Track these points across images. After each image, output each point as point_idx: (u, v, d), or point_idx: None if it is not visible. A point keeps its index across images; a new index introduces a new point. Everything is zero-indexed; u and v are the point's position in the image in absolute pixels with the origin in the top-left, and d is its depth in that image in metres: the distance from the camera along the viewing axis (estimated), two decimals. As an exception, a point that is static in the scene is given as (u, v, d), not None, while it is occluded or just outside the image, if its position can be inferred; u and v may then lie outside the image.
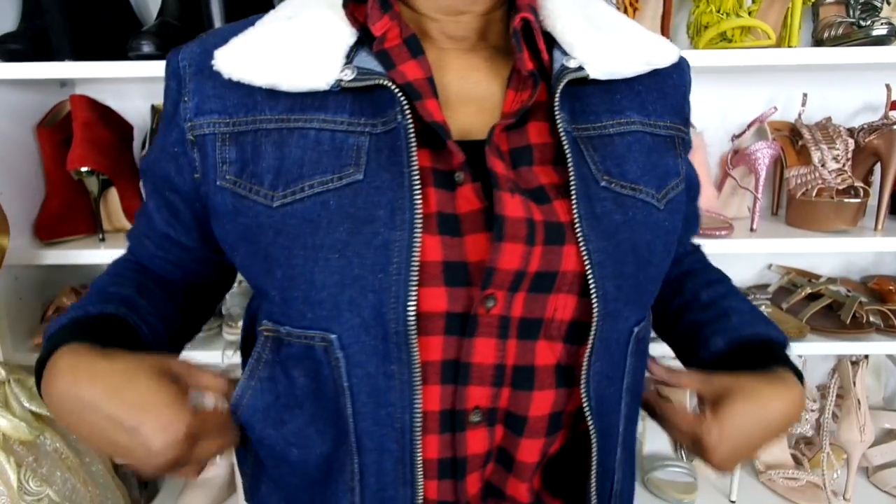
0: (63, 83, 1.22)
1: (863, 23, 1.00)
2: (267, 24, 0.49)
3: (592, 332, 0.45)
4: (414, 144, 0.43)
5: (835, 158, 1.08)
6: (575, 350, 0.47)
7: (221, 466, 1.24)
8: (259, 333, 0.50)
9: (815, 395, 1.24)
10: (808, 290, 1.18)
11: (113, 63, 0.98)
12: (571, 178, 0.44)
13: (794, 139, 1.18)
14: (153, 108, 1.18)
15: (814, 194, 1.08)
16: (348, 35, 0.48)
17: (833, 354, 1.29)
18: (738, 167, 1.19)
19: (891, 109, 1.11)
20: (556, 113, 0.46)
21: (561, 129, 0.45)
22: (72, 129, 1.09)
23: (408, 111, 0.44)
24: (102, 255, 1.08)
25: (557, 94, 0.46)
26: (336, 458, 0.48)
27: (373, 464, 0.46)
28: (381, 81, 0.44)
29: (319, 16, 0.49)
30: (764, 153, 1.11)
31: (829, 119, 1.15)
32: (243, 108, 0.47)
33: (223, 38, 0.49)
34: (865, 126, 1.09)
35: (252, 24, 0.50)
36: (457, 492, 0.48)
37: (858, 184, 1.05)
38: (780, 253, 1.34)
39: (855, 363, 1.21)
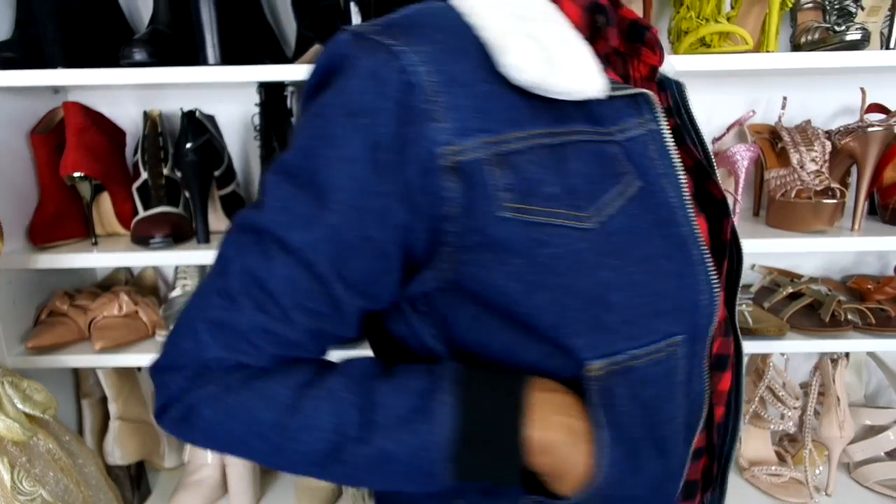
0: (56, 90, 1.23)
1: (838, 28, 1.03)
2: (506, 20, 0.42)
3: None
4: (674, 144, 0.47)
5: (813, 160, 1.10)
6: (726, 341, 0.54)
7: (213, 467, 1.25)
8: (587, 381, 0.43)
9: (797, 392, 1.26)
10: (790, 290, 1.21)
11: (105, 70, 0.99)
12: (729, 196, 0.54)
13: (773, 141, 1.20)
14: (145, 114, 1.20)
15: (793, 195, 1.10)
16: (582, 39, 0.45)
17: (815, 352, 1.32)
18: (718, 170, 1.21)
19: (867, 112, 1.14)
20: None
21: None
22: (65, 135, 1.11)
23: (660, 116, 0.47)
24: (95, 258, 1.10)
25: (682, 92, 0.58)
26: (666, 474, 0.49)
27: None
28: (636, 90, 0.46)
29: (555, 16, 0.44)
30: (743, 155, 1.13)
31: (808, 122, 1.18)
32: (509, 123, 0.41)
33: (445, 33, 0.41)
34: (841, 129, 1.12)
35: (448, 14, 0.43)
36: (694, 471, 0.54)
37: (835, 185, 1.07)
38: (763, 253, 1.36)
39: (834, 361, 1.24)
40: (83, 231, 1.18)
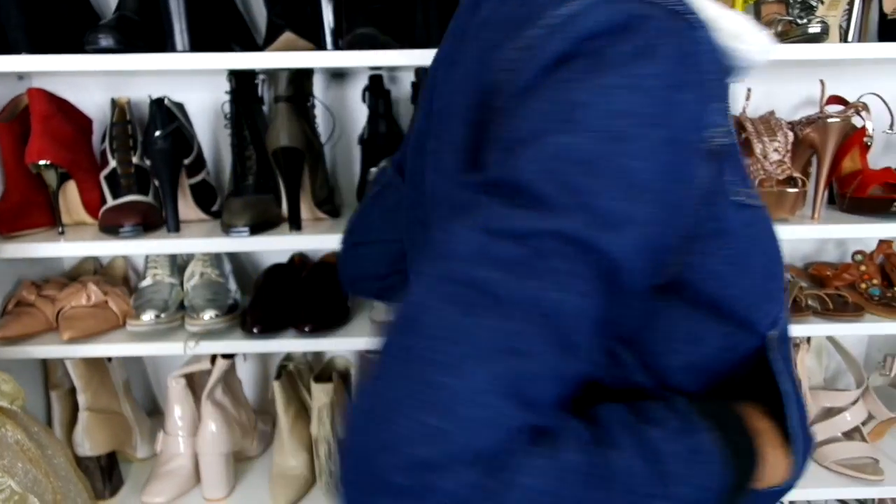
0: (20, 76, 1.21)
1: (800, 21, 1.06)
2: (713, 8, 0.40)
3: None
4: None
5: (776, 150, 1.13)
6: None
7: (186, 457, 1.25)
8: (770, 351, 0.44)
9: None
10: (753, 277, 1.24)
11: (71, 56, 0.98)
12: None
13: (738, 132, 1.23)
14: (113, 101, 1.18)
15: (756, 184, 1.13)
16: None
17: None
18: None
19: (827, 104, 1.18)
20: None
21: None
22: (30, 122, 1.09)
23: None
24: (63, 248, 1.09)
25: None
26: None
27: None
28: None
29: None
30: (709, 146, 1.16)
31: (772, 112, 1.21)
32: (727, 113, 0.40)
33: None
34: (803, 119, 1.15)
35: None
36: None
37: (797, 174, 1.11)
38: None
39: (796, 346, 1.27)
40: (49, 220, 1.17)
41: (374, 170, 0.72)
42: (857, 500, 1.41)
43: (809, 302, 1.17)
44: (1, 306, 1.17)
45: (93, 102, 1.24)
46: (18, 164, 1.12)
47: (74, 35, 1.05)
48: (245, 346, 1.13)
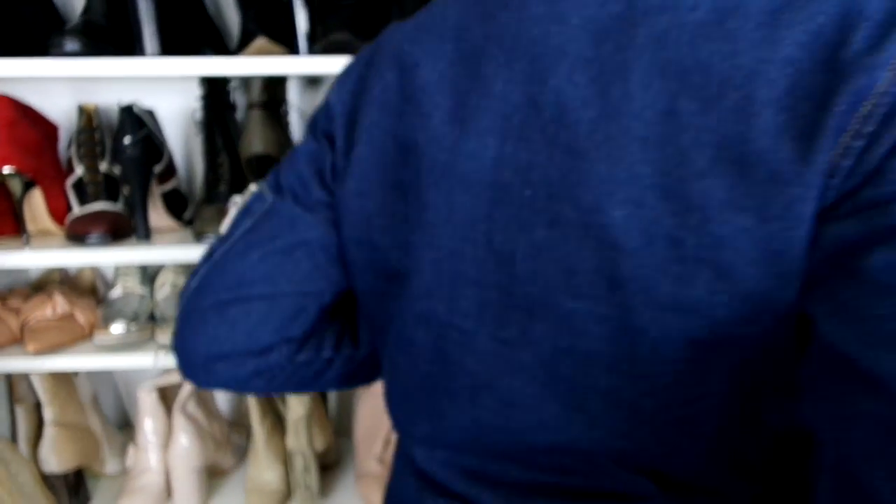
0: (-17, 81, 1.17)
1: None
2: None
3: None
4: None
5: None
6: None
7: (157, 472, 1.22)
8: None
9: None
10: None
11: (35, 60, 0.95)
12: None
13: None
14: (80, 108, 1.15)
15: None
16: None
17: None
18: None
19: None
20: None
21: None
22: (-8, 129, 1.06)
23: None
24: (28, 257, 1.05)
25: None
26: None
27: None
28: None
29: None
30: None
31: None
32: None
33: None
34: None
35: None
36: None
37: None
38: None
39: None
40: (13, 228, 1.13)
41: (238, 198, 0.58)
42: None
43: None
44: (-38, 319, 1.13)
45: (59, 108, 1.20)
46: (-20, 172, 1.08)
47: (39, 39, 1.02)
48: (218, 358, 1.10)
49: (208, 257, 0.56)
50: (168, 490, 1.22)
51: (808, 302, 0.34)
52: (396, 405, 0.54)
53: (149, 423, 1.22)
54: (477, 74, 0.42)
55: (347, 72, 0.54)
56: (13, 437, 1.22)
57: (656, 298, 0.36)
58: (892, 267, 0.29)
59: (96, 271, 1.32)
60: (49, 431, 1.15)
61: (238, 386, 0.58)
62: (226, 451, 1.30)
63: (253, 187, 0.57)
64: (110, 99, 1.20)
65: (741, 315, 0.35)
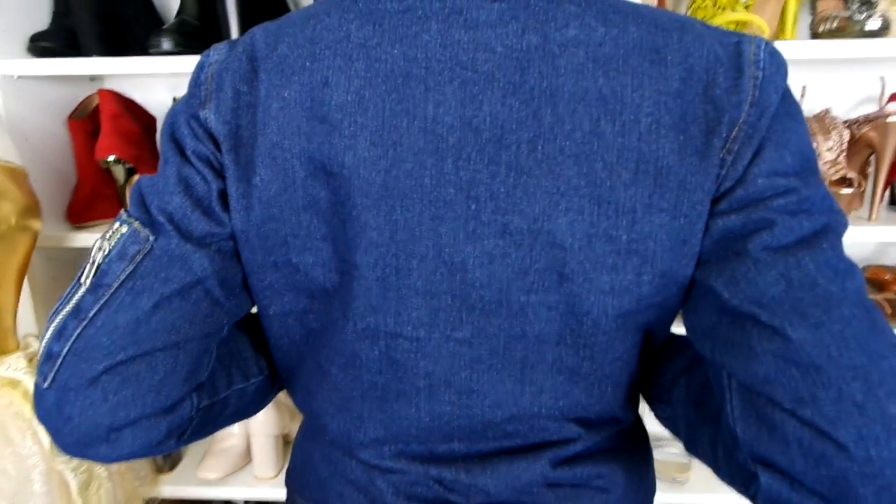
0: (92, 78, 1.30)
1: (858, 16, 1.02)
2: None
3: None
4: None
5: (829, 150, 1.10)
6: None
7: (239, 437, 1.32)
8: None
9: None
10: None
11: (137, 59, 1.04)
12: None
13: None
14: (175, 100, 1.25)
15: (808, 185, 1.10)
16: None
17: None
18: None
19: (889, 102, 1.13)
20: None
21: None
22: (100, 120, 1.17)
23: None
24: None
25: None
26: None
27: None
28: None
29: None
30: (759, 144, 1.13)
31: (827, 111, 1.17)
32: None
33: None
34: (861, 118, 1.11)
35: None
36: None
37: (852, 174, 1.07)
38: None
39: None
40: (117, 211, 1.25)
41: (98, 240, 0.49)
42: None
43: (863, 307, 1.13)
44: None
45: (157, 101, 1.31)
46: (89, 160, 1.21)
47: (140, 39, 1.12)
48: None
49: (74, 313, 0.47)
50: (248, 454, 1.32)
51: (703, 276, 0.45)
52: (330, 416, 0.55)
53: (232, 393, 1.32)
54: (402, 96, 0.44)
55: (217, 87, 0.48)
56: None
57: (598, 285, 0.46)
58: (768, 247, 0.42)
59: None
60: (146, 395, 1.28)
61: (148, 451, 0.50)
62: (298, 421, 1.39)
63: (122, 226, 0.48)
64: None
65: (657, 288, 0.47)
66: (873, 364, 0.39)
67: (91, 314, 0.46)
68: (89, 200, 1.21)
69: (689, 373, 0.53)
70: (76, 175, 1.24)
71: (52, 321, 0.48)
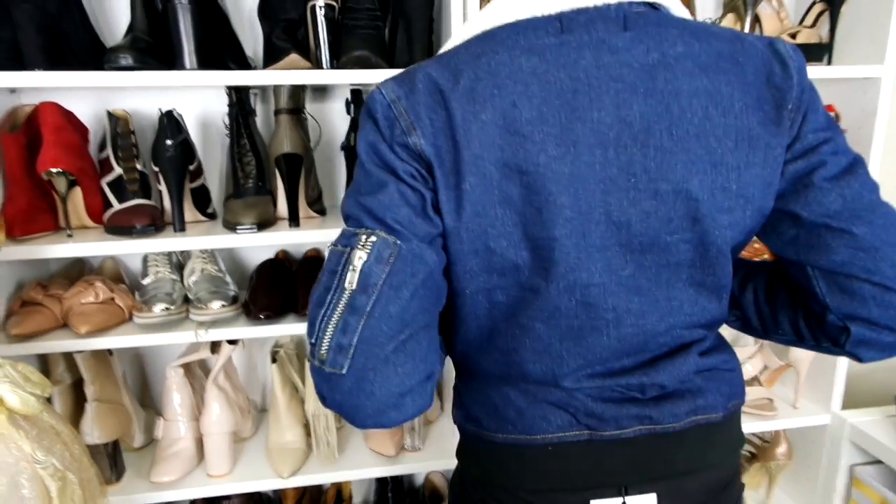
0: (12, 90, 1.28)
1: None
2: None
3: None
4: None
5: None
6: None
7: (187, 440, 1.36)
8: None
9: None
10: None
11: (91, 73, 1.08)
12: None
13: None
14: (109, 113, 1.28)
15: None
16: None
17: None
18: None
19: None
20: None
21: None
22: (34, 133, 1.17)
23: None
24: (70, 249, 1.16)
25: None
26: None
27: None
28: None
29: None
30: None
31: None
32: None
33: None
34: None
35: None
36: None
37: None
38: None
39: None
40: (54, 224, 1.25)
41: (348, 253, 0.61)
42: (756, 435, 1.72)
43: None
44: (5, 306, 1.23)
45: (81, 114, 1.32)
46: (25, 173, 1.20)
47: (79, 53, 1.15)
48: (250, 332, 1.26)
49: (352, 311, 0.59)
50: (198, 455, 1.36)
51: (783, 203, 0.67)
52: (532, 363, 0.69)
53: (177, 397, 1.36)
54: (574, 107, 0.60)
55: (416, 118, 0.61)
56: (49, 417, 1.33)
57: (720, 223, 0.64)
58: (825, 178, 0.65)
59: (118, 261, 1.44)
60: (91, 406, 1.28)
61: (420, 412, 0.64)
62: (248, 419, 1.45)
63: (373, 237, 0.60)
64: (129, 105, 1.33)
65: (754, 219, 0.66)
66: None
67: (368, 309, 0.58)
68: (27, 214, 1.19)
69: (753, 281, 0.79)
70: (6, 189, 1.21)
71: (326, 322, 0.59)
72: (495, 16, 0.64)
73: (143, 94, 1.36)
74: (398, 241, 0.60)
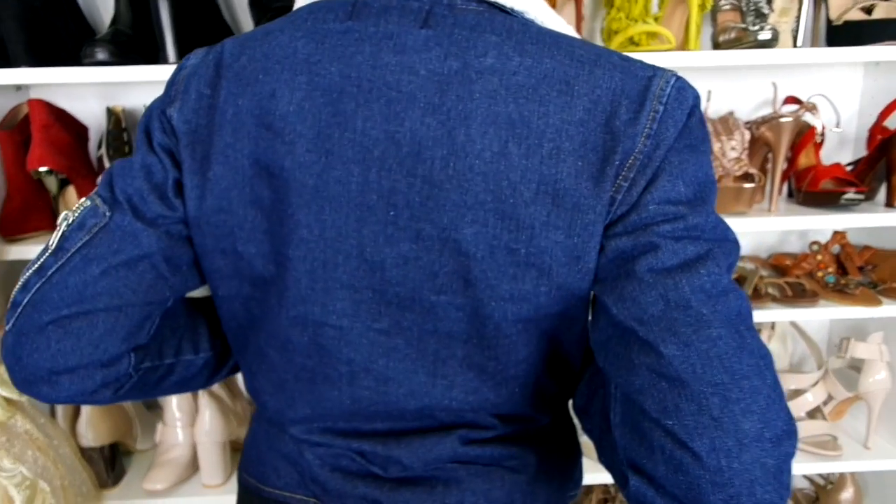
0: (18, 87, 1.27)
1: (752, 28, 1.13)
2: None
3: None
4: None
5: (733, 148, 1.21)
6: None
7: (184, 447, 1.32)
8: None
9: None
10: (717, 267, 1.32)
11: (69, 69, 1.04)
12: None
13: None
14: (108, 110, 1.24)
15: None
16: None
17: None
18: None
19: (785, 104, 1.25)
20: None
21: None
22: (30, 131, 1.15)
23: None
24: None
25: None
26: None
27: None
28: None
29: None
30: (672, 144, 1.23)
31: (731, 113, 1.28)
32: None
33: None
34: (759, 119, 1.23)
35: None
36: None
37: (753, 170, 1.18)
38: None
39: (760, 330, 1.35)
40: (50, 224, 1.23)
41: (68, 213, 0.57)
42: (821, 476, 1.49)
43: (769, 290, 1.25)
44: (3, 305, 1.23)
45: (88, 111, 1.30)
46: (20, 171, 1.18)
47: (71, 48, 1.11)
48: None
49: (38, 271, 0.54)
50: (194, 463, 1.32)
51: (599, 292, 0.50)
52: (268, 394, 0.62)
53: (175, 402, 1.32)
54: (337, 110, 0.49)
55: (184, 89, 0.55)
56: (52, 414, 1.33)
57: (499, 293, 0.50)
58: (652, 269, 0.46)
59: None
60: (86, 408, 1.26)
61: (84, 398, 0.57)
62: (247, 427, 1.39)
63: (87, 201, 0.57)
64: (135, 101, 1.29)
65: (555, 299, 0.51)
66: (734, 383, 0.42)
67: (49, 273, 0.53)
68: (21, 213, 1.18)
69: (605, 387, 0.56)
70: (5, 187, 1.21)
71: (23, 276, 0.55)
72: None
73: (146, 89, 1.32)
74: (108, 213, 0.54)
